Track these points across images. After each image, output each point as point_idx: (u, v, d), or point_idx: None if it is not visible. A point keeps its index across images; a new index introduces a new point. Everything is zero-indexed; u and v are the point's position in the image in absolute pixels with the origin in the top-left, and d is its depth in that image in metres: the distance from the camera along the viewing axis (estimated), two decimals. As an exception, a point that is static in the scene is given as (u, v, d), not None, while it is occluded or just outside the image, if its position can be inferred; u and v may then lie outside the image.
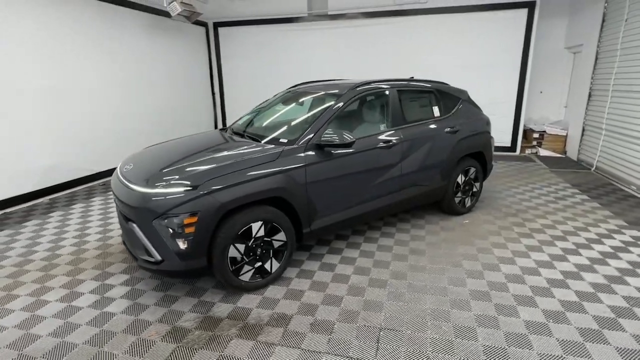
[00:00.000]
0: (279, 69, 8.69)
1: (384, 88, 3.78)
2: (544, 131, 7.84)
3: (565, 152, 7.74)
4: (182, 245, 2.59)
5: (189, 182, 2.66)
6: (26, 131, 4.99)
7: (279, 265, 3.05)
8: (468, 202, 4.48)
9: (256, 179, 2.81)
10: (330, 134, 3.11)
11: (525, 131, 8.28)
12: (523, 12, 7.24)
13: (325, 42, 8.31)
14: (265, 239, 2.92)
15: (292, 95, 4.06)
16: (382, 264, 3.36)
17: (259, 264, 2.94)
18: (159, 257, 2.66)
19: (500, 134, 7.91)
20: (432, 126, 4.00)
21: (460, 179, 4.28)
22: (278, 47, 8.63)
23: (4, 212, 4.72)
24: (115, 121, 6.38)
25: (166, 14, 6.61)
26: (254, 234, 2.84)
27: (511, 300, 2.80)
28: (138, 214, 2.68)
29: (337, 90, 3.57)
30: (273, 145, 3.12)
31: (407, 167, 3.74)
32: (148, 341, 2.43)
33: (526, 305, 2.73)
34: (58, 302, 2.86)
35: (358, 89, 3.57)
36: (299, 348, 2.35)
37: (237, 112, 8.45)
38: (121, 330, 2.54)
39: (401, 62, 7.98)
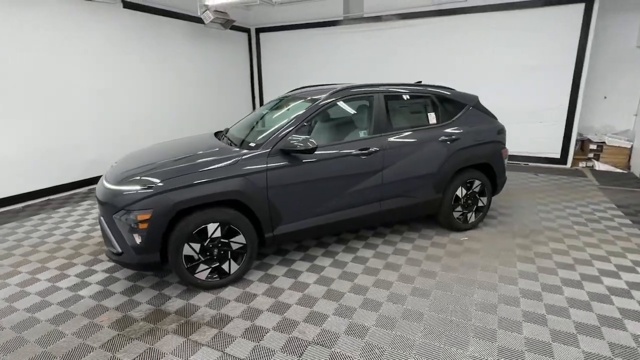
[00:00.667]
0: (316, 71, 8.77)
1: (367, 93, 3.64)
2: (603, 142, 6.85)
3: (629, 168, 6.68)
4: (137, 239, 2.77)
5: (146, 181, 2.83)
6: (79, 127, 5.73)
7: (238, 267, 3.10)
8: (472, 218, 4.11)
9: (211, 181, 2.89)
10: (296, 140, 3.08)
11: (582, 142, 7.33)
12: (579, 8, 6.41)
13: (361, 44, 8.20)
14: (223, 240, 2.99)
15: (284, 100, 4.09)
16: (348, 275, 3.24)
17: (217, 264, 3.02)
18: (119, 249, 2.87)
19: (549, 144, 7.12)
20: (424, 134, 3.75)
21: (461, 192, 3.94)
22: (315, 51, 8.73)
23: (48, 199, 5.45)
24: (156, 121, 6.99)
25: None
26: (209, 235, 2.93)
27: (469, 333, 2.51)
28: (104, 208, 2.93)
29: (317, 96, 3.52)
30: (240, 150, 3.17)
31: (389, 177, 3.55)
32: (97, 326, 2.64)
33: (491, 341, 2.44)
34: (46, 281, 3.23)
35: (334, 94, 3.49)
36: (222, 351, 2.38)
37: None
38: (81, 313, 2.79)
39: (438, 64, 7.57)
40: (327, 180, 3.31)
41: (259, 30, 9.25)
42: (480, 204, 4.12)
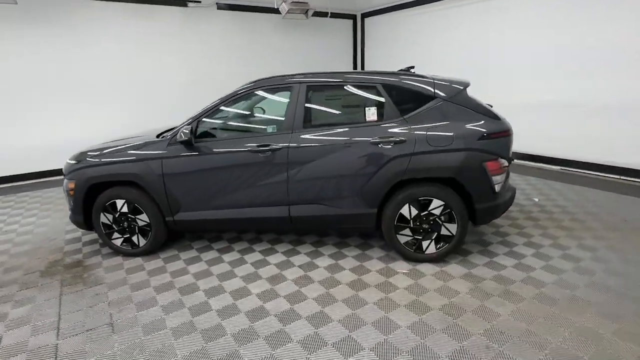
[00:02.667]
0: (418, 53, 7.86)
1: (287, 84, 3.23)
2: None
3: None
4: (69, 202, 3.50)
5: (80, 157, 3.50)
6: (169, 114, 7.23)
7: (145, 242, 3.46)
8: (431, 248, 3.12)
9: (115, 162, 3.31)
10: (181, 131, 3.12)
11: None
12: None
13: (484, 23, 6.82)
14: (130, 215, 3.40)
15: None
16: (227, 275, 3.11)
17: (127, 235, 3.47)
18: (69, 209, 3.69)
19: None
20: (350, 133, 3.07)
21: (409, 211, 3.05)
22: (423, 34, 7.82)
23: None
24: None
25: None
26: (118, 209, 3.38)
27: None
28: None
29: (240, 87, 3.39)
30: (155, 139, 3.43)
31: (297, 179, 3.12)
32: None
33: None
34: (63, 223, 4.42)
35: (250, 84, 3.26)
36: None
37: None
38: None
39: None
40: (223, 174, 3.21)
41: (364, 16, 8.95)
42: (444, 231, 3.07)
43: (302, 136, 3.12)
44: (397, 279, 2.97)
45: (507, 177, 3.18)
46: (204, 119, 3.28)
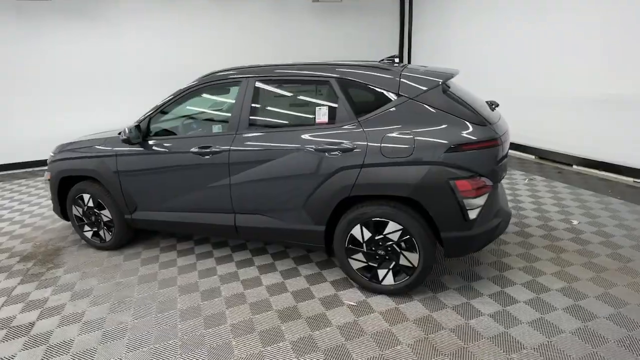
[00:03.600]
0: (471, 38, 6.85)
1: (235, 79, 2.86)
2: None
3: None
4: (49, 192, 3.64)
5: (55, 150, 3.59)
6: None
7: (111, 237, 3.46)
8: (389, 279, 2.57)
9: (78, 158, 3.32)
10: (127, 130, 2.97)
11: None
12: None
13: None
14: (95, 210, 3.41)
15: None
16: (129, 272, 2.94)
17: (95, 229, 3.50)
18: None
19: None
20: (291, 137, 2.63)
21: (360, 233, 2.53)
22: (480, 15, 6.79)
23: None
24: None
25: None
26: (85, 203, 3.42)
27: None
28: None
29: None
30: (117, 135, 3.35)
31: (238, 186, 2.79)
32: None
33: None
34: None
35: (196, 81, 2.98)
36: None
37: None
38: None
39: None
40: (171, 175, 3.01)
41: (414, -6, 8.04)
42: (404, 261, 2.49)
43: (245, 139, 2.76)
44: (338, 312, 2.50)
45: (494, 199, 2.46)
46: (154, 117, 3.10)
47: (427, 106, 2.37)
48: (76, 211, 3.48)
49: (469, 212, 2.30)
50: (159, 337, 2.35)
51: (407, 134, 2.35)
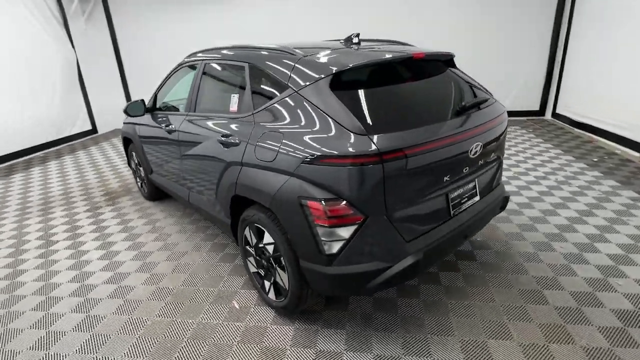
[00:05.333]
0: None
1: (196, 61, 2.88)
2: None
3: None
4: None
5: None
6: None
7: (144, 188, 4.22)
8: (272, 293, 2.31)
9: (127, 124, 4.09)
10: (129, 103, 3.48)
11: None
12: None
13: None
14: (139, 167, 4.22)
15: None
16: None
17: (140, 181, 4.34)
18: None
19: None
20: (209, 124, 2.58)
21: (250, 236, 2.34)
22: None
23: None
24: None
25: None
26: (134, 160, 4.27)
27: (19, 310, 2.55)
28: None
29: None
30: None
31: (185, 166, 2.94)
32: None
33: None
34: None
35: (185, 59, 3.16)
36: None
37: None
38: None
39: None
40: (156, 146, 3.42)
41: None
42: (279, 279, 2.18)
43: (189, 121, 2.85)
44: (217, 307, 2.43)
45: (377, 236, 1.80)
46: (158, 92, 3.51)
47: (306, 103, 1.91)
48: (133, 165, 4.38)
49: (326, 243, 1.80)
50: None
51: (279, 135, 1.97)
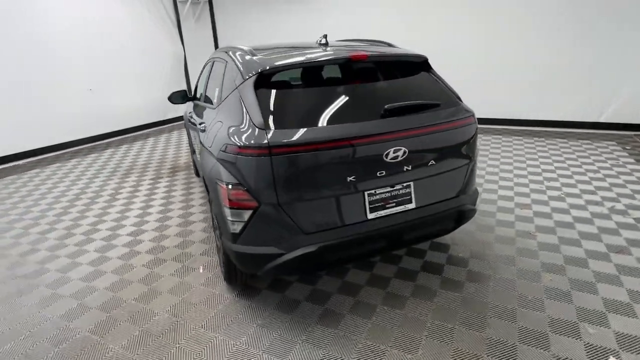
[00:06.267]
0: None
1: (212, 57, 3.31)
2: None
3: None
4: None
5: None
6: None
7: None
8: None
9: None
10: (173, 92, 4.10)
11: None
12: None
13: None
14: (190, 147, 4.97)
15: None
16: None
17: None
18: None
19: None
20: (203, 115, 2.99)
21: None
22: None
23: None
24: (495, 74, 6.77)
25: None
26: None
27: (66, 243, 3.41)
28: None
29: None
30: None
31: (199, 150, 3.44)
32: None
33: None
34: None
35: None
36: (138, 183, 4.99)
37: None
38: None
39: None
40: (192, 131, 3.99)
41: None
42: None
43: (198, 109, 3.31)
44: (190, 271, 2.86)
45: (269, 224, 1.95)
46: (197, 83, 4.08)
47: (240, 98, 2.15)
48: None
49: (233, 223, 2.03)
50: (121, 230, 3.60)
51: (219, 124, 2.26)
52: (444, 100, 2.28)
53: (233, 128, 2.05)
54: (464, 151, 2.30)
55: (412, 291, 2.49)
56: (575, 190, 3.92)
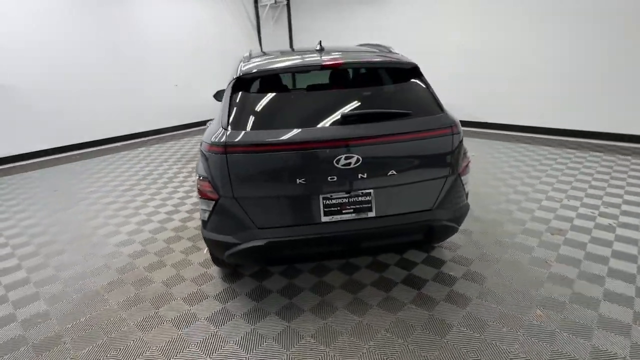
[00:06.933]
0: None
1: None
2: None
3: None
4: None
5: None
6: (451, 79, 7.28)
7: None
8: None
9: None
10: None
11: None
12: None
13: None
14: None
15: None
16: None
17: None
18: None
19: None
20: None
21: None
22: None
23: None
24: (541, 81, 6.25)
25: None
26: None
27: (119, 214, 4.08)
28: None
29: None
30: None
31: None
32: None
33: (108, 216, 4.04)
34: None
35: None
36: (194, 170, 5.63)
37: None
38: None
39: None
40: None
41: None
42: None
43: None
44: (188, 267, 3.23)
45: (227, 214, 2.14)
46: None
47: (224, 100, 2.37)
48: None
49: (202, 211, 2.28)
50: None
51: (213, 120, 2.52)
52: (422, 109, 2.20)
53: (212, 127, 2.29)
54: (439, 163, 2.18)
55: (380, 301, 2.45)
56: (635, 221, 3.31)
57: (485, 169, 4.90)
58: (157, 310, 2.47)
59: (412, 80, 2.37)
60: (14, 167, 6.18)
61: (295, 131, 2.04)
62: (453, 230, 2.38)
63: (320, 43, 2.64)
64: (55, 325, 2.38)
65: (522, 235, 3.18)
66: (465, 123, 7.15)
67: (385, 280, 2.67)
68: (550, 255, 2.87)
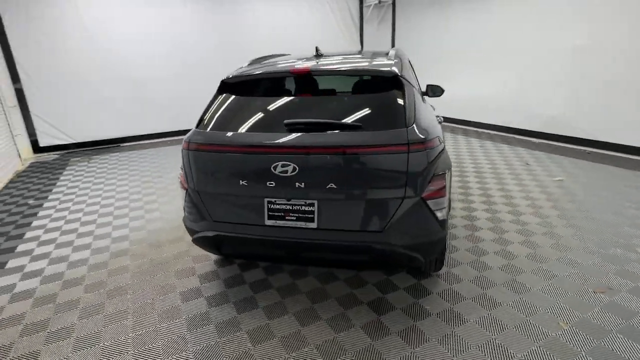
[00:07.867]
0: None
1: None
2: None
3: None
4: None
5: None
6: (547, 83, 6.17)
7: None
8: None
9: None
10: None
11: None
12: None
13: None
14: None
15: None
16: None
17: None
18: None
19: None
20: None
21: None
22: None
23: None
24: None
25: None
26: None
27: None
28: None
29: None
30: None
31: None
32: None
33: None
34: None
35: None
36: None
37: None
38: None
39: None
40: None
41: None
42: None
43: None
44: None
45: (194, 204, 2.34)
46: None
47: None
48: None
49: (183, 198, 2.55)
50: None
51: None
52: (384, 122, 2.01)
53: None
54: (390, 183, 1.97)
55: (331, 316, 2.35)
56: None
57: (591, 202, 4.00)
58: (150, 279, 2.89)
59: (391, 90, 2.18)
60: (151, 142, 7.68)
61: (242, 134, 2.12)
62: (412, 260, 2.12)
63: (317, 49, 2.62)
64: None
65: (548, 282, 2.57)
66: (566, 138, 5.94)
67: (351, 298, 2.53)
68: (568, 316, 2.27)
